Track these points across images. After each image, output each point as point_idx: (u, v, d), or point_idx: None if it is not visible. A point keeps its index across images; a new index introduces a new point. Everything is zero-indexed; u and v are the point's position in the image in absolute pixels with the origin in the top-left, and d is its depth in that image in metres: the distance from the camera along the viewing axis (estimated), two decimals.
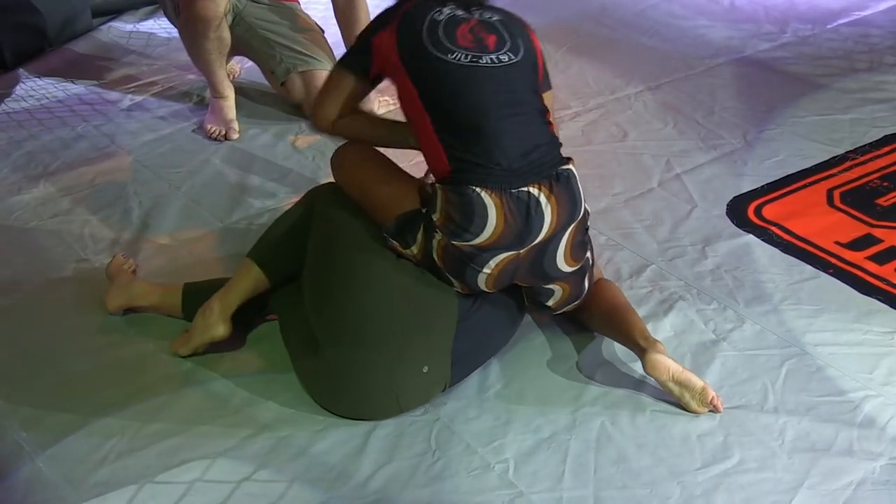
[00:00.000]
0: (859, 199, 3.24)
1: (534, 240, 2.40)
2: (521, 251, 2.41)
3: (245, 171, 3.40)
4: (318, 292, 2.51)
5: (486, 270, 2.42)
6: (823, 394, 2.51)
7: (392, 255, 2.49)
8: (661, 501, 2.23)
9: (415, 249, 2.46)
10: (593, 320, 2.67)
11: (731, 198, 3.26)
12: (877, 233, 3.08)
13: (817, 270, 2.94)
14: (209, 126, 3.62)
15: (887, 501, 2.24)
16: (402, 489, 2.25)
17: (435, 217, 2.41)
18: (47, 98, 3.88)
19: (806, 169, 3.40)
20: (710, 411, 2.44)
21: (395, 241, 2.48)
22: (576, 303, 2.60)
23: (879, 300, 2.82)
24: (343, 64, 2.62)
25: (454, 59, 2.43)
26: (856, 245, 3.04)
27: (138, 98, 3.87)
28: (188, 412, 2.45)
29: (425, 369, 2.43)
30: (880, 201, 3.23)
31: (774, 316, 2.77)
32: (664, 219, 3.16)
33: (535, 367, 2.59)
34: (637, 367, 2.57)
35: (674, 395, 2.45)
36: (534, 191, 2.38)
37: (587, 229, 2.52)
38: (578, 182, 2.46)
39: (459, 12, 2.50)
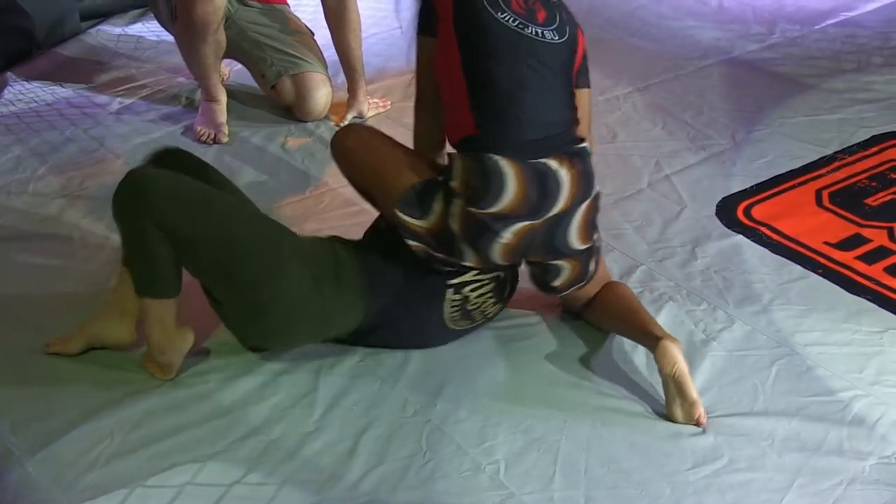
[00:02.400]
0: (848, 200, 3.25)
1: (549, 211, 2.44)
2: (537, 222, 2.44)
3: (235, 173, 3.40)
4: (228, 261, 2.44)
5: (502, 240, 2.44)
6: (813, 394, 2.52)
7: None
8: (651, 501, 2.23)
9: (432, 220, 2.47)
10: (606, 318, 2.68)
11: (720, 198, 3.27)
12: (865, 233, 3.09)
13: (806, 270, 2.94)
14: (199, 129, 3.61)
15: (877, 500, 2.24)
16: (392, 491, 2.25)
17: (454, 185, 2.44)
18: (35, 102, 3.87)
19: (795, 169, 3.41)
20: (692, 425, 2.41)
21: (405, 216, 2.47)
22: (580, 285, 2.61)
23: (868, 300, 2.83)
24: (418, 31, 2.63)
25: (503, 18, 2.47)
26: (845, 245, 3.05)
27: (127, 101, 3.87)
28: (178, 415, 2.45)
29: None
30: (869, 201, 3.24)
31: (764, 316, 2.77)
32: (654, 220, 3.17)
33: (525, 368, 2.59)
34: (629, 370, 2.58)
35: (666, 394, 2.44)
36: (552, 163, 2.43)
37: (599, 208, 2.55)
38: (592, 156, 2.53)
39: None
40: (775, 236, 3.09)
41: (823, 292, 2.87)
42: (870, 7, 4.56)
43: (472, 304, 2.62)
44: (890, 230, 3.10)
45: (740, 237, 3.09)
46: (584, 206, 2.48)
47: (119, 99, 3.88)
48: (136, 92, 3.93)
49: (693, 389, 2.41)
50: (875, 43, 4.25)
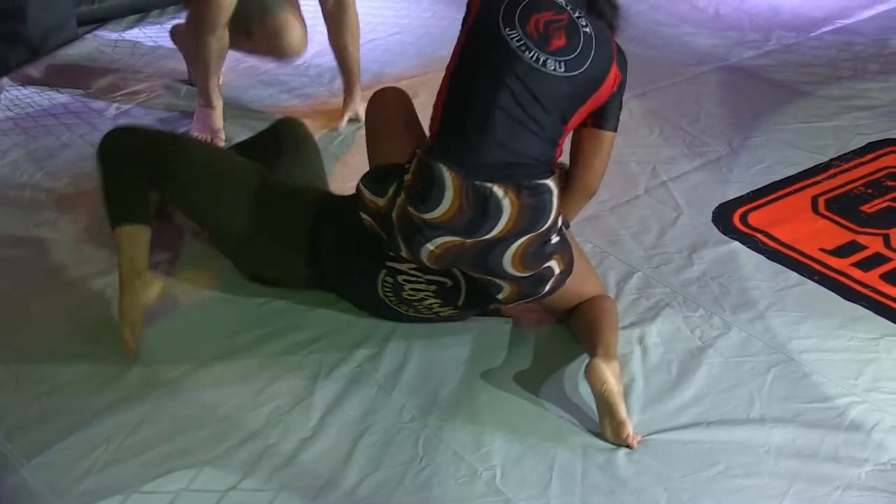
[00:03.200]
0: (844, 206, 3.25)
1: (483, 234, 2.44)
2: (468, 241, 2.45)
3: None
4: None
5: (430, 246, 2.48)
6: (809, 400, 2.52)
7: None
8: None
9: (382, 201, 2.52)
10: (574, 329, 2.67)
11: (716, 205, 3.27)
12: (861, 239, 3.10)
13: (803, 277, 2.95)
14: (196, 133, 3.61)
15: None
16: (389, 497, 2.25)
17: (407, 178, 2.47)
18: (32, 107, 3.86)
19: (791, 176, 3.42)
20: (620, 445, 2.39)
21: (365, 188, 2.56)
22: (530, 300, 2.60)
23: (864, 306, 2.83)
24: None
25: (509, 34, 2.45)
26: (841, 252, 3.05)
27: (124, 107, 3.86)
28: (175, 420, 2.44)
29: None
30: (865, 208, 3.24)
31: (760, 323, 2.77)
32: (650, 226, 3.17)
33: (522, 374, 2.59)
34: (624, 374, 2.58)
35: (598, 411, 2.42)
36: (498, 190, 2.42)
37: (548, 241, 2.51)
38: (555, 200, 2.47)
39: (559, 1, 2.50)
40: (771, 243, 3.09)
41: (819, 299, 2.87)
42: (865, 15, 4.57)
43: (409, 294, 2.66)
44: (886, 237, 3.10)
45: (737, 244, 3.09)
46: (524, 238, 2.46)
47: (116, 104, 3.88)
48: (133, 97, 3.92)
49: (621, 410, 2.37)
50: (871, 50, 4.25)
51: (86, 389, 2.53)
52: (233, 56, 4.17)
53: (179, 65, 4.14)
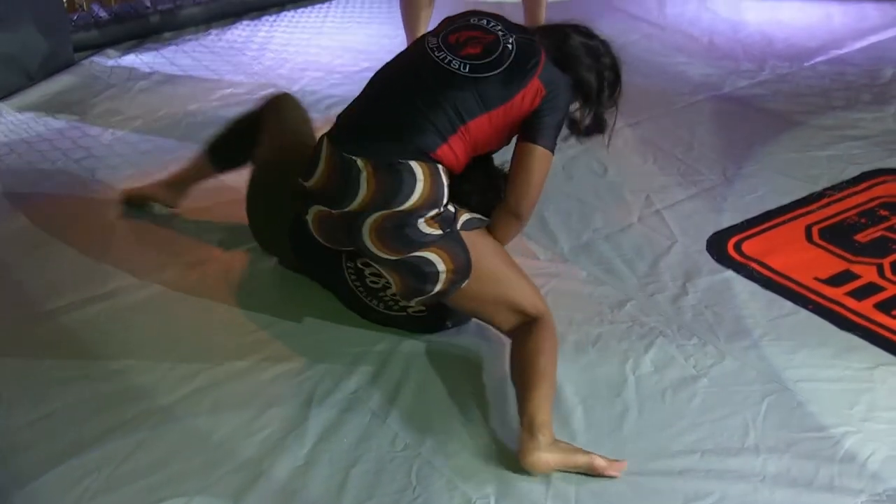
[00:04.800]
0: (837, 236, 3.26)
1: (345, 206, 2.56)
2: (335, 211, 2.58)
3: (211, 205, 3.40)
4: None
5: (308, 215, 2.66)
6: (804, 430, 2.52)
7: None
8: None
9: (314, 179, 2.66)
10: (512, 375, 2.57)
11: (710, 233, 3.28)
12: (855, 269, 3.10)
13: (797, 306, 2.95)
14: None
15: None
16: None
17: None
18: (27, 133, 3.87)
19: (785, 205, 3.42)
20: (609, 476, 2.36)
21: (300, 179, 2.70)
22: (426, 298, 2.61)
23: (858, 336, 2.83)
24: None
25: (428, 41, 2.65)
26: (835, 281, 3.05)
27: (120, 132, 3.87)
28: (167, 448, 2.44)
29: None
30: (858, 237, 3.25)
31: (754, 351, 2.77)
32: (644, 254, 3.17)
33: (513, 402, 2.58)
34: (618, 402, 2.58)
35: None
36: (360, 162, 2.53)
37: (411, 225, 2.52)
38: (418, 183, 2.51)
39: (493, 25, 2.65)
40: (765, 272, 3.09)
41: (814, 328, 2.87)
42: (858, 45, 4.59)
43: (371, 282, 2.73)
44: (879, 266, 3.11)
45: (731, 272, 3.09)
46: (377, 213, 2.52)
47: (112, 130, 3.89)
48: (129, 123, 3.93)
49: (580, 456, 2.36)
50: (863, 80, 4.27)
51: (78, 416, 2.52)
52: (229, 84, 4.20)
53: (176, 90, 4.16)
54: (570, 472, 2.37)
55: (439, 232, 2.56)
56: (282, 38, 4.64)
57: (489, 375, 2.67)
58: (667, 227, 3.31)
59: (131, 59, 4.45)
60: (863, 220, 3.33)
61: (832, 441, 2.48)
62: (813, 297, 2.98)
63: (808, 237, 3.26)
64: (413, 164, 2.52)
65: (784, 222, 3.34)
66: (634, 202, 3.44)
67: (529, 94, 2.59)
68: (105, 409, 2.55)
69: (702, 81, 4.29)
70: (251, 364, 2.71)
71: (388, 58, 4.38)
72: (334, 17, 4.86)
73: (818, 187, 3.51)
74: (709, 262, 3.14)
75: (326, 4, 4.98)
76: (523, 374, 2.50)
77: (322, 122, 3.87)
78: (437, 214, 2.56)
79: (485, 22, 2.67)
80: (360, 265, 2.73)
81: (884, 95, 4.13)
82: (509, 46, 2.60)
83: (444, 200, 2.58)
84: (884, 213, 3.36)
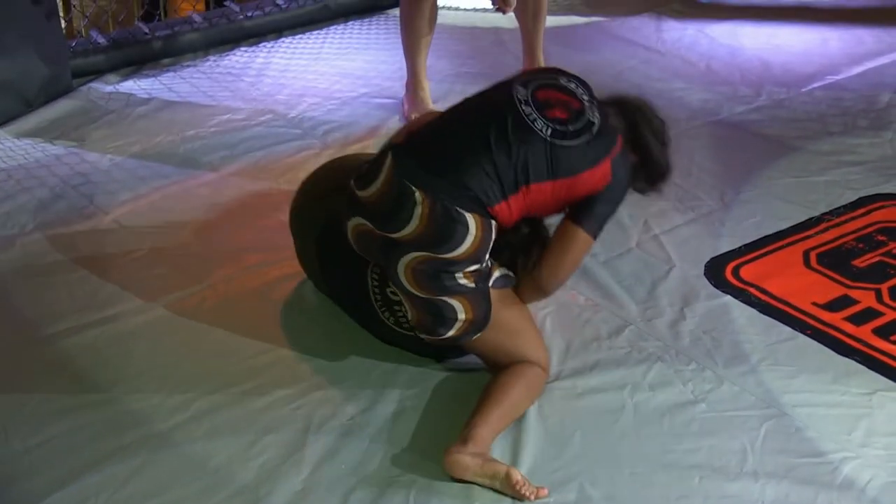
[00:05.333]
0: (836, 261, 3.26)
1: (388, 231, 2.54)
2: (377, 230, 2.56)
3: (217, 225, 3.40)
4: None
5: (351, 222, 2.63)
6: (802, 455, 2.51)
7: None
8: None
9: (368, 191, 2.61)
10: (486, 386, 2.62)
11: (708, 258, 3.28)
12: (853, 294, 3.10)
13: (795, 331, 2.95)
14: (411, 115, 3.94)
15: None
16: None
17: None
18: (26, 159, 3.87)
19: (782, 230, 3.43)
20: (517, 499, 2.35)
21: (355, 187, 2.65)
22: (439, 339, 2.61)
23: (857, 361, 2.83)
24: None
25: (517, 90, 2.59)
26: (833, 306, 3.05)
27: (118, 158, 3.87)
28: (165, 474, 2.43)
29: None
30: (856, 262, 3.25)
31: (753, 377, 2.77)
32: (643, 279, 3.17)
33: (512, 429, 2.57)
34: (616, 428, 2.57)
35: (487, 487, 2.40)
36: (417, 194, 2.49)
37: (449, 273, 2.52)
38: (469, 237, 2.49)
39: (580, 92, 2.63)
40: (763, 297, 3.09)
41: (812, 353, 2.87)
42: (855, 71, 4.61)
43: (392, 293, 2.68)
44: (878, 291, 3.11)
45: (729, 297, 3.09)
46: (422, 252, 2.50)
47: (110, 156, 3.89)
48: (127, 149, 3.94)
49: (498, 466, 2.36)
50: (860, 106, 4.28)
51: (76, 442, 2.52)
52: (227, 110, 4.21)
53: (174, 116, 4.17)
54: (487, 484, 2.37)
55: (473, 285, 2.56)
56: (280, 63, 4.65)
57: None
58: (665, 252, 3.31)
59: (129, 85, 4.46)
60: (860, 246, 3.33)
61: (831, 467, 2.47)
62: (811, 322, 2.98)
63: (807, 262, 3.26)
64: (469, 216, 2.49)
65: (782, 247, 3.35)
66: (633, 227, 3.45)
67: (598, 174, 2.57)
68: (103, 434, 2.55)
69: (700, 107, 4.30)
70: (248, 389, 2.70)
71: (387, 84, 4.46)
72: (332, 43, 4.88)
73: (816, 212, 3.52)
74: (707, 287, 3.14)
75: (324, 30, 5.00)
76: (488, 392, 2.55)
77: (320, 148, 3.91)
78: (477, 270, 2.56)
79: (573, 86, 2.64)
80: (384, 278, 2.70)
81: (881, 121, 4.14)
82: (593, 121, 2.58)
83: (486, 260, 2.58)
84: (881, 238, 3.36)
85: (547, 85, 2.63)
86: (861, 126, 4.12)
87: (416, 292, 2.56)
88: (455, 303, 2.56)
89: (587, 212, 2.63)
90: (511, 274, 2.70)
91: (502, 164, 2.51)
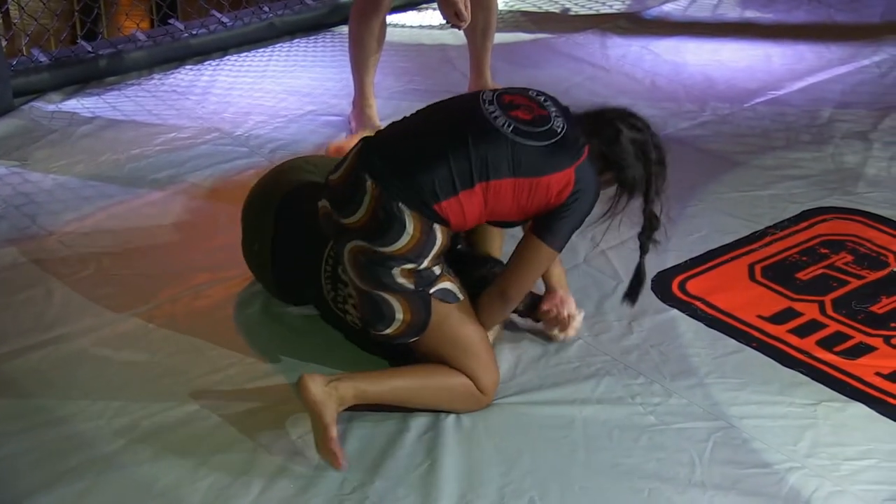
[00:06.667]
0: (780, 274, 3.29)
1: (341, 216, 2.60)
2: (333, 214, 2.62)
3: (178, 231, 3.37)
4: None
5: (320, 203, 2.69)
6: (749, 466, 2.53)
7: None
8: None
9: (337, 174, 2.70)
10: None
11: (655, 273, 3.29)
12: (797, 306, 3.14)
13: (741, 344, 2.97)
14: (359, 129, 3.95)
15: None
16: None
17: None
18: None
19: (728, 244, 3.46)
20: None
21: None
22: (372, 331, 2.65)
23: (801, 372, 2.86)
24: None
25: (482, 95, 2.64)
26: (777, 319, 3.08)
27: (61, 178, 3.83)
28: (111, 497, 2.40)
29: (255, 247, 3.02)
30: (800, 275, 3.29)
31: (700, 389, 2.79)
32: (590, 294, 3.19)
33: (462, 444, 2.58)
34: (565, 442, 2.58)
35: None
36: (368, 184, 2.54)
37: (386, 267, 2.54)
38: (405, 236, 2.52)
39: (548, 104, 2.65)
40: (710, 310, 3.12)
41: (758, 365, 2.90)
42: (797, 86, 4.67)
43: (342, 273, 2.71)
44: (821, 304, 3.14)
45: (676, 311, 3.11)
46: (362, 242, 2.55)
47: (53, 176, 3.85)
48: (71, 169, 3.89)
49: (327, 414, 2.46)
50: (803, 121, 4.34)
51: (19, 466, 2.48)
52: (172, 128, 4.18)
53: (119, 134, 4.13)
54: (312, 423, 2.47)
55: (411, 287, 2.56)
56: (225, 82, 4.63)
57: (435, 419, 2.66)
58: (612, 267, 3.33)
59: (73, 104, 4.41)
60: (804, 259, 3.37)
61: (777, 477, 2.50)
62: (757, 334, 3.01)
63: (752, 276, 3.29)
64: (409, 214, 2.51)
65: (727, 261, 3.38)
66: (580, 243, 3.45)
67: (560, 181, 2.56)
68: (47, 458, 2.51)
69: None
70: (195, 410, 2.68)
71: (334, 101, 4.46)
72: (278, 61, 4.86)
73: (760, 226, 3.56)
74: (654, 301, 3.16)
75: (270, 48, 4.98)
76: (410, 366, 2.67)
77: (267, 166, 3.88)
78: (415, 269, 2.56)
79: (542, 99, 2.66)
80: (340, 256, 2.70)
81: (822, 135, 4.20)
82: (557, 129, 2.58)
83: (428, 259, 2.56)
84: (824, 251, 3.41)
85: (514, 91, 2.69)
86: (804, 141, 4.18)
87: (357, 282, 2.60)
88: (393, 301, 2.57)
89: (551, 227, 2.61)
90: (455, 291, 2.65)
91: (460, 158, 2.52)
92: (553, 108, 2.64)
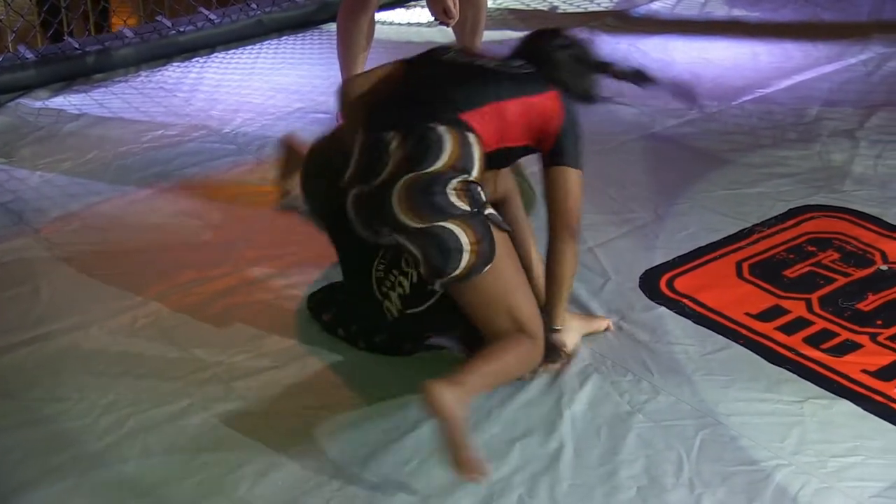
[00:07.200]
0: (767, 271, 3.30)
1: (374, 181, 2.58)
2: (365, 189, 2.60)
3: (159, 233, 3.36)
4: None
5: (348, 200, 2.66)
6: (737, 463, 2.53)
7: None
8: None
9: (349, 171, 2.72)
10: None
11: (643, 271, 3.30)
12: (785, 304, 3.14)
13: (729, 341, 2.98)
14: None
15: None
16: None
17: None
18: None
19: (715, 242, 3.47)
20: None
21: None
22: (443, 279, 2.56)
23: (789, 370, 2.87)
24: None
25: (440, 52, 2.83)
26: (765, 316, 3.09)
27: (48, 175, 3.82)
28: (97, 495, 2.39)
29: None
30: (787, 273, 3.29)
31: (688, 387, 2.79)
32: (578, 292, 3.18)
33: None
34: (554, 439, 2.58)
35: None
36: (387, 136, 2.60)
37: (437, 191, 2.54)
38: (446, 145, 2.56)
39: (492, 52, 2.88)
40: (698, 308, 3.12)
41: (745, 363, 2.90)
42: (784, 84, 4.68)
43: (397, 267, 2.71)
44: (808, 301, 3.15)
45: (663, 309, 3.12)
46: (406, 176, 2.54)
47: (39, 173, 3.84)
48: (57, 166, 3.88)
49: (459, 428, 2.36)
50: (790, 119, 4.35)
51: (4, 464, 2.47)
52: (160, 126, 4.17)
53: (106, 132, 4.12)
54: (442, 435, 2.35)
55: (467, 208, 2.55)
56: (213, 79, 4.62)
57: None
58: (600, 264, 3.33)
59: (60, 101, 4.40)
60: (791, 256, 3.38)
61: (764, 474, 2.50)
62: (744, 332, 3.02)
63: (739, 273, 3.30)
64: (441, 128, 2.58)
65: (715, 259, 3.38)
66: None
67: (552, 102, 2.71)
68: (32, 456, 2.50)
69: (633, 121, 4.34)
70: (182, 408, 2.67)
71: (322, 98, 4.45)
72: (266, 58, 4.86)
73: (748, 224, 3.56)
74: (642, 299, 3.17)
75: (258, 46, 4.98)
76: (480, 354, 2.55)
77: (254, 164, 3.88)
78: (466, 184, 2.56)
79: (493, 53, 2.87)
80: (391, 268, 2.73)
81: (809, 133, 4.21)
82: (524, 64, 2.78)
83: (475, 169, 2.60)
84: (811, 248, 3.42)
85: (463, 50, 2.94)
86: (791, 138, 4.18)
87: (414, 223, 2.53)
88: (455, 228, 2.52)
89: (561, 150, 2.73)
90: (501, 220, 2.66)
91: (461, 89, 2.67)
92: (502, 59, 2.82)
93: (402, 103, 2.68)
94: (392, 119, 2.63)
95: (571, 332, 2.84)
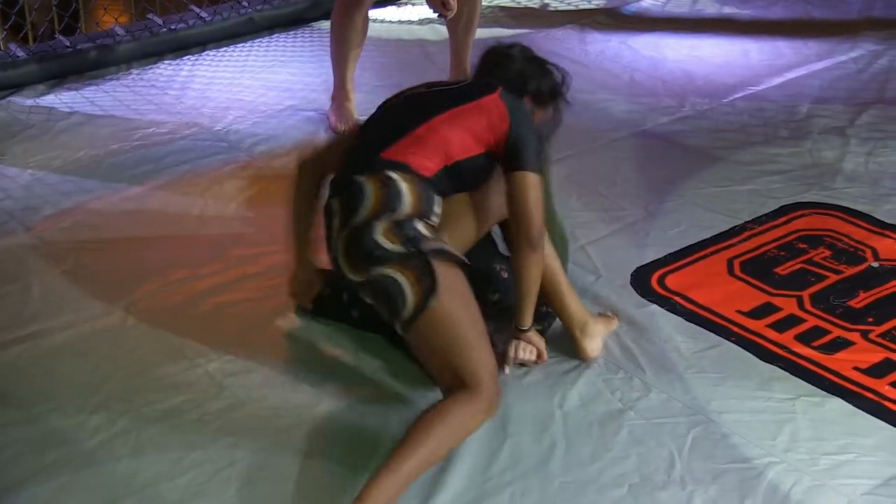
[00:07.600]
0: (758, 269, 3.31)
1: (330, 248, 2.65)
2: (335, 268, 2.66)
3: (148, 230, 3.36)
4: None
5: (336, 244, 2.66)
6: (729, 461, 2.54)
7: None
8: None
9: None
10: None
11: (634, 268, 3.31)
12: (776, 301, 3.15)
13: (720, 338, 2.98)
14: (337, 125, 4.01)
15: None
16: None
17: None
18: None
19: (706, 239, 3.47)
20: None
21: None
22: (399, 321, 2.50)
23: (780, 367, 2.87)
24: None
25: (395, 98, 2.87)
26: (756, 313, 3.10)
27: (39, 173, 3.81)
28: (89, 493, 2.39)
29: None
30: (778, 270, 3.30)
31: (680, 384, 2.80)
32: None
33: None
34: (546, 437, 2.58)
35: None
36: (333, 202, 2.66)
37: (362, 237, 2.54)
38: (367, 191, 2.58)
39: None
40: (689, 305, 3.13)
41: (737, 360, 2.91)
42: (775, 82, 4.69)
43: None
44: (799, 298, 3.16)
45: (655, 306, 3.12)
46: (343, 232, 2.58)
47: (31, 171, 3.83)
48: (49, 164, 3.88)
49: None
50: (781, 117, 4.36)
51: None
52: (151, 123, 4.17)
53: (97, 129, 4.11)
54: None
55: (401, 248, 2.50)
56: (204, 76, 4.62)
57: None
58: (591, 262, 3.34)
59: (51, 99, 4.39)
60: (782, 253, 3.38)
61: (756, 472, 2.51)
62: (735, 329, 3.02)
63: (730, 271, 3.31)
64: (360, 178, 2.59)
65: (706, 256, 3.39)
66: None
67: (492, 104, 2.69)
68: (24, 454, 2.50)
69: (624, 118, 4.35)
70: (174, 405, 2.67)
71: (313, 96, 4.45)
72: (257, 55, 4.85)
73: (739, 221, 3.57)
74: (633, 296, 3.17)
75: (249, 43, 4.97)
76: (408, 433, 2.35)
77: (246, 161, 3.88)
78: (394, 224, 2.52)
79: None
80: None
81: (800, 131, 4.22)
82: (466, 83, 2.84)
83: (403, 208, 2.55)
84: (802, 245, 3.42)
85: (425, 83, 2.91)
86: (782, 136, 4.19)
87: (358, 277, 2.56)
88: (392, 272, 2.48)
89: (516, 154, 2.67)
90: (451, 249, 2.57)
91: (392, 119, 2.74)
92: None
93: (342, 164, 2.73)
94: (334, 183, 2.71)
95: (596, 338, 2.87)
